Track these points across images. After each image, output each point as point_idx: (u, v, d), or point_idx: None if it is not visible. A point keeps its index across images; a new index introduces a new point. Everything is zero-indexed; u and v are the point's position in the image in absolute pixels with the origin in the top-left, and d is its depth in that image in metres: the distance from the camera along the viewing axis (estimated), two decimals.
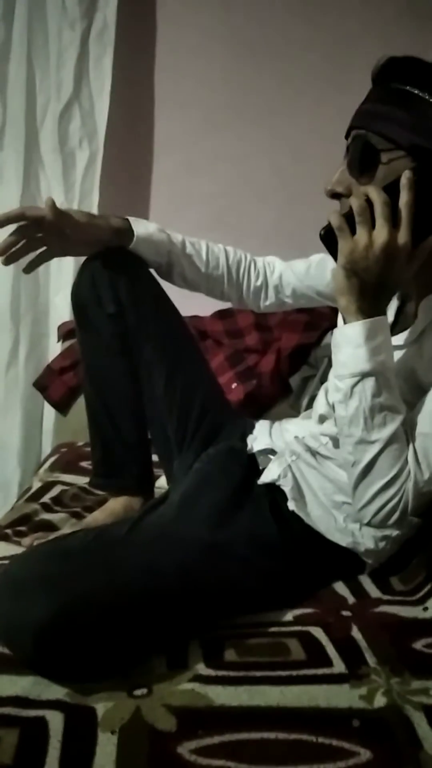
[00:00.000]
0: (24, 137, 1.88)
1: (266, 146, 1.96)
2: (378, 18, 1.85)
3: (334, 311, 1.67)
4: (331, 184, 0.91)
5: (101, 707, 0.70)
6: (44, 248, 1.09)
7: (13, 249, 1.05)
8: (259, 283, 1.23)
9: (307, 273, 1.22)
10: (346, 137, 0.92)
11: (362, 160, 0.88)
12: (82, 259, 1.14)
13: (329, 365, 1.60)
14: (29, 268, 1.11)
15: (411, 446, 0.89)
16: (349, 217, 0.83)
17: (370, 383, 0.86)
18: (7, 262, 1.05)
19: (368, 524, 0.92)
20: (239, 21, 1.90)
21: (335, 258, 0.86)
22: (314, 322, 1.76)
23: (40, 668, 0.74)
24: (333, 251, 0.86)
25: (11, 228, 1.04)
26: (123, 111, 1.93)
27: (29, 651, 0.72)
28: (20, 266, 1.11)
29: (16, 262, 1.08)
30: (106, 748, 0.65)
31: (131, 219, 1.11)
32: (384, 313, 0.87)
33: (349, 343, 0.87)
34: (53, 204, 1.03)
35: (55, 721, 0.68)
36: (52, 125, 1.88)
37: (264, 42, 1.91)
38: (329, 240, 0.86)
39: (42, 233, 1.06)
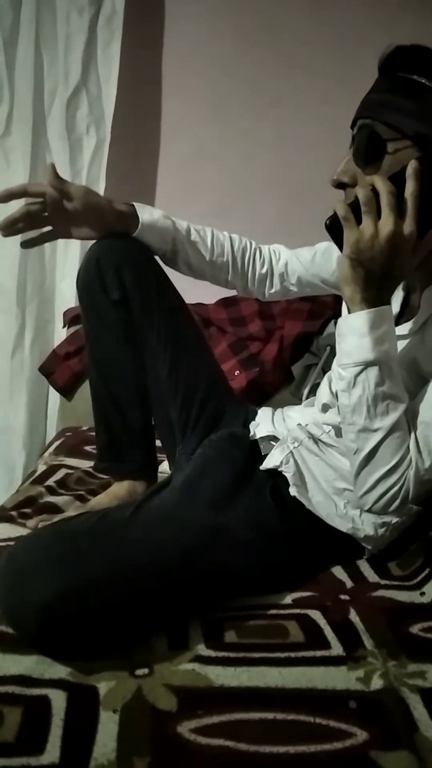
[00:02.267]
0: (31, 123, 1.87)
1: (271, 136, 1.95)
2: (383, 9, 1.83)
3: (337, 300, 1.68)
4: (337, 173, 0.91)
5: (103, 686, 0.71)
6: (48, 228, 1.09)
7: (17, 226, 1.06)
8: (264, 270, 1.23)
9: (313, 261, 1.22)
10: (352, 127, 0.92)
11: (368, 150, 0.88)
12: (88, 245, 1.14)
13: (332, 354, 1.62)
14: (28, 244, 1.12)
15: (413, 435, 0.89)
16: (354, 207, 0.83)
17: (373, 372, 0.87)
18: (5, 234, 1.06)
19: (369, 511, 0.93)
20: (245, 10, 1.89)
21: (341, 248, 0.86)
22: (317, 310, 1.77)
23: (44, 648, 0.76)
24: (338, 241, 0.86)
25: (15, 205, 1.05)
26: (130, 98, 1.92)
27: (33, 631, 0.74)
28: (26, 252, 1.12)
29: (20, 244, 1.08)
30: (107, 727, 0.66)
31: (137, 205, 1.11)
32: (388, 302, 0.88)
33: (353, 333, 0.87)
34: (54, 169, 1.04)
35: (58, 699, 0.69)
36: (60, 111, 1.87)
37: (269, 31, 1.89)
38: (335, 229, 0.86)
39: (46, 211, 1.07)
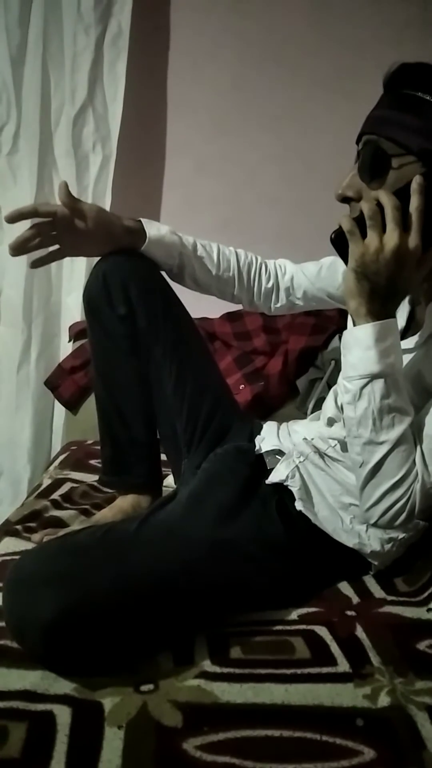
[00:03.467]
0: (38, 140, 1.89)
1: (275, 151, 1.97)
2: (388, 26, 1.85)
3: (342, 315, 1.69)
4: (342, 188, 0.91)
5: (108, 702, 0.71)
6: (56, 246, 1.10)
7: (27, 245, 1.06)
8: (270, 285, 1.24)
9: (318, 275, 1.23)
10: (357, 142, 0.93)
11: (373, 165, 0.88)
12: (95, 260, 1.15)
13: (336, 368, 1.62)
14: (37, 264, 1.12)
15: (418, 448, 0.89)
16: (359, 221, 0.84)
17: (379, 385, 0.87)
18: (15, 253, 1.06)
19: (375, 525, 0.93)
20: (250, 28, 1.91)
21: (346, 261, 0.87)
22: (322, 325, 1.77)
23: (49, 663, 0.75)
24: (344, 255, 0.87)
25: (25, 225, 1.05)
26: (136, 116, 1.95)
27: (38, 646, 0.73)
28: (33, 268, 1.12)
29: (27, 261, 1.08)
30: (112, 743, 0.65)
31: (144, 221, 1.12)
32: (393, 315, 0.88)
33: (359, 345, 0.87)
34: (67, 188, 1.04)
35: (63, 715, 0.69)
36: (66, 129, 1.90)
37: (274, 48, 1.92)
38: (340, 243, 0.87)
39: (55, 230, 1.07)
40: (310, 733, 0.67)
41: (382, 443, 0.88)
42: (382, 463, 0.88)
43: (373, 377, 0.87)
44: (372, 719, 0.70)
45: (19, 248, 1.06)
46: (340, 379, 0.94)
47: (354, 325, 0.89)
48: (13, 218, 1.03)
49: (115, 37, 1.86)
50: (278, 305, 1.26)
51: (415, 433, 0.89)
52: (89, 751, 0.64)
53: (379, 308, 0.86)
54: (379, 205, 0.83)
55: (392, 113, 0.87)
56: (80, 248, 1.12)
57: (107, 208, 1.93)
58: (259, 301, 1.25)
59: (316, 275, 1.23)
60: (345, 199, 0.92)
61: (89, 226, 1.07)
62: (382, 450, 0.88)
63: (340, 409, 1.03)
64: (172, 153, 2.01)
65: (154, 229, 1.12)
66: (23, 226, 1.06)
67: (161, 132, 2.00)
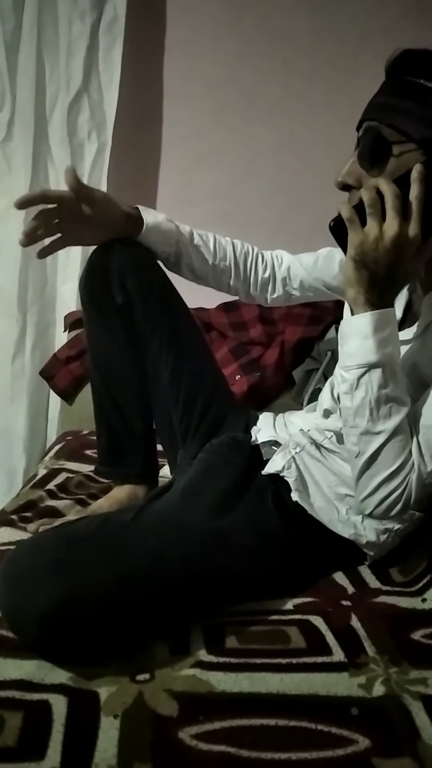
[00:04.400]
0: (33, 128, 1.88)
1: (272, 142, 1.96)
2: (383, 17, 1.84)
3: (338, 306, 1.69)
4: (341, 175, 0.91)
5: (104, 692, 0.71)
6: (58, 235, 1.09)
7: (38, 233, 1.05)
8: (266, 275, 1.23)
9: (315, 265, 1.22)
10: (358, 129, 0.92)
11: (373, 152, 0.88)
12: (90, 250, 1.14)
13: (332, 359, 1.62)
14: (43, 254, 1.11)
15: (415, 439, 0.89)
16: (358, 209, 0.84)
17: (376, 374, 0.87)
18: (27, 243, 1.04)
19: (370, 515, 0.93)
20: (247, 18, 1.90)
21: (344, 249, 0.86)
22: (318, 315, 1.77)
23: (45, 652, 0.75)
24: (342, 243, 0.86)
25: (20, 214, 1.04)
26: (131, 103, 1.93)
27: (34, 635, 0.73)
28: (28, 255, 1.11)
29: (22, 250, 1.07)
30: (108, 732, 0.65)
31: (141, 208, 1.11)
32: (392, 305, 0.88)
33: (357, 334, 0.87)
34: (74, 171, 1.02)
35: (59, 704, 0.69)
36: (61, 117, 1.88)
37: (271, 38, 1.91)
38: (339, 231, 0.86)
39: (59, 218, 1.06)
40: (305, 722, 0.68)
41: (378, 433, 0.88)
42: (378, 454, 0.88)
43: (371, 367, 0.86)
44: (367, 708, 0.70)
45: (30, 237, 1.03)
46: (337, 369, 0.94)
47: (352, 314, 0.88)
48: (23, 204, 1.02)
49: (111, 23, 1.84)
50: (275, 296, 1.26)
51: (411, 424, 0.89)
52: (85, 740, 0.64)
53: (378, 297, 0.85)
54: (379, 193, 0.83)
55: (394, 100, 0.86)
56: (81, 236, 1.11)
57: None
58: (255, 292, 1.25)
59: (312, 265, 1.23)
60: (345, 187, 0.92)
61: (93, 212, 1.05)
62: (378, 440, 0.88)
63: (337, 400, 1.03)
64: (168, 142, 2.00)
65: (151, 216, 1.11)
66: (19, 215, 1.05)
67: (157, 120, 1.99)
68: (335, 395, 1.06)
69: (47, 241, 1.09)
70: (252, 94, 1.94)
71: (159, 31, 1.94)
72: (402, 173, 0.84)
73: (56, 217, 1.06)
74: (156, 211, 1.13)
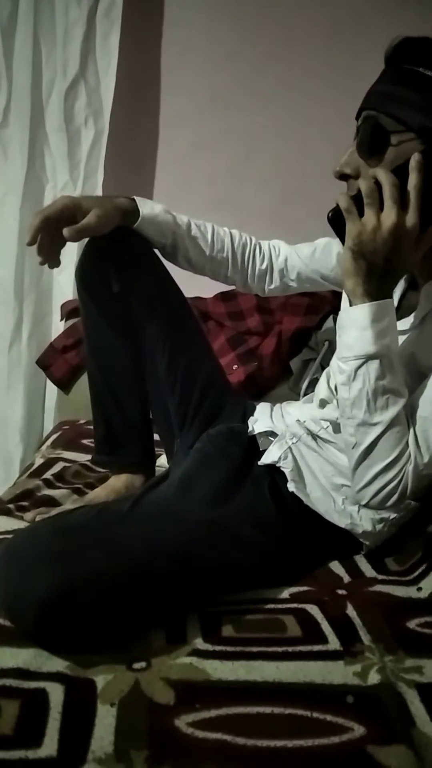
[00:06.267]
0: (29, 114, 1.86)
1: (271, 128, 1.94)
2: (384, 4, 1.82)
3: (336, 296, 1.68)
4: (340, 165, 0.90)
5: (101, 680, 0.71)
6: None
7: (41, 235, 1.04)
8: (264, 266, 1.23)
9: (313, 256, 1.22)
10: (357, 118, 0.91)
11: (372, 142, 0.87)
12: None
13: (330, 349, 1.62)
14: (56, 263, 1.10)
15: (411, 430, 0.89)
16: (357, 199, 0.83)
17: (374, 366, 0.86)
18: (32, 242, 1.04)
19: (366, 506, 0.93)
20: (245, 4, 1.88)
21: (343, 240, 0.86)
22: (315, 305, 1.76)
23: (42, 641, 0.75)
24: (340, 233, 0.86)
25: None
26: (129, 90, 1.91)
27: (31, 624, 0.73)
28: (23, 245, 1.11)
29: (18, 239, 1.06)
30: (105, 720, 0.66)
31: (137, 199, 1.10)
32: (390, 296, 0.87)
33: (355, 326, 0.87)
34: (71, 231, 1.01)
35: (56, 692, 0.69)
36: (58, 103, 1.86)
37: (270, 22, 1.89)
38: (337, 222, 0.86)
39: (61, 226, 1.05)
40: (301, 710, 0.68)
41: (375, 424, 0.88)
42: (375, 444, 0.88)
43: (369, 358, 0.86)
44: (362, 696, 0.71)
45: (35, 239, 1.03)
46: (334, 360, 0.94)
47: (350, 305, 0.88)
48: (34, 238, 1.02)
49: (108, 8, 1.82)
50: (272, 287, 1.25)
51: (408, 415, 0.90)
52: (82, 728, 0.65)
53: (376, 288, 0.85)
54: (377, 183, 0.82)
55: (393, 89, 0.86)
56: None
57: (99, 184, 1.90)
58: (252, 283, 1.24)
59: (310, 257, 1.22)
60: (343, 177, 0.91)
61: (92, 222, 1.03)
62: (375, 431, 0.88)
63: (333, 390, 1.03)
64: (166, 128, 1.99)
65: (147, 207, 1.10)
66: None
67: (155, 107, 1.97)
68: (332, 385, 1.06)
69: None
70: (250, 80, 1.93)
71: (156, 17, 1.92)
72: (400, 163, 0.83)
73: (59, 227, 1.03)
74: (153, 202, 1.12)
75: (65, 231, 1.00)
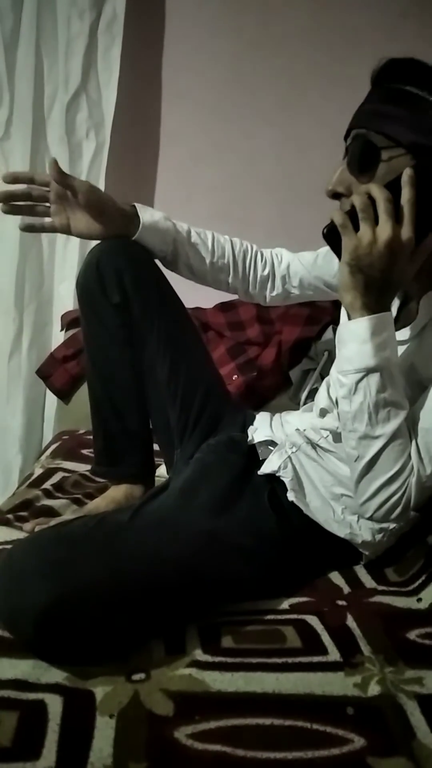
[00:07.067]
0: (31, 126, 1.87)
1: (271, 139, 1.96)
2: (385, 15, 1.84)
3: (336, 306, 1.69)
4: (332, 184, 0.91)
5: (100, 691, 0.71)
6: (49, 219, 1.11)
7: (17, 203, 1.09)
8: (265, 273, 1.23)
9: (315, 263, 1.23)
10: (345, 138, 0.92)
11: (362, 159, 0.88)
12: (88, 248, 1.14)
13: (329, 359, 1.62)
14: (28, 229, 1.14)
15: (413, 442, 0.89)
16: (351, 215, 0.84)
17: (374, 379, 0.87)
18: (6, 211, 1.09)
19: (370, 518, 0.93)
20: (246, 15, 1.89)
21: (339, 256, 0.87)
22: (315, 316, 1.77)
23: (41, 652, 0.75)
24: (337, 249, 0.87)
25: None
26: (130, 103, 1.93)
27: (30, 635, 0.73)
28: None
29: (19, 227, 1.12)
30: (104, 732, 0.65)
31: (138, 206, 1.11)
32: (389, 309, 0.88)
33: (354, 339, 0.87)
34: (56, 164, 1.05)
35: (54, 704, 0.69)
36: (60, 115, 1.88)
37: (270, 36, 1.90)
38: (332, 238, 0.87)
39: (50, 202, 1.09)
40: (301, 722, 0.68)
41: (377, 437, 0.88)
42: (377, 458, 0.88)
43: (369, 371, 0.87)
44: (362, 708, 0.71)
45: (4, 201, 1.07)
46: (334, 373, 0.94)
47: (349, 318, 0.88)
48: (8, 179, 1.06)
49: (110, 22, 1.83)
50: (274, 294, 1.26)
51: (409, 427, 0.90)
52: (81, 740, 0.65)
53: (374, 301, 0.86)
54: (371, 199, 0.83)
55: (381, 107, 0.87)
56: (71, 224, 1.11)
57: None
58: (254, 290, 1.25)
59: (312, 263, 1.23)
60: (335, 195, 0.92)
61: (81, 201, 1.07)
62: (377, 444, 0.88)
63: (335, 402, 1.03)
64: (166, 141, 2.00)
65: (147, 214, 1.11)
66: (13, 218, 1.07)
67: (155, 119, 1.99)
68: (332, 395, 1.06)
69: (37, 222, 1.12)
70: (251, 92, 1.94)
71: (157, 31, 1.93)
72: (392, 178, 0.84)
73: (46, 200, 1.09)
74: (153, 210, 1.13)
75: (54, 166, 1.04)
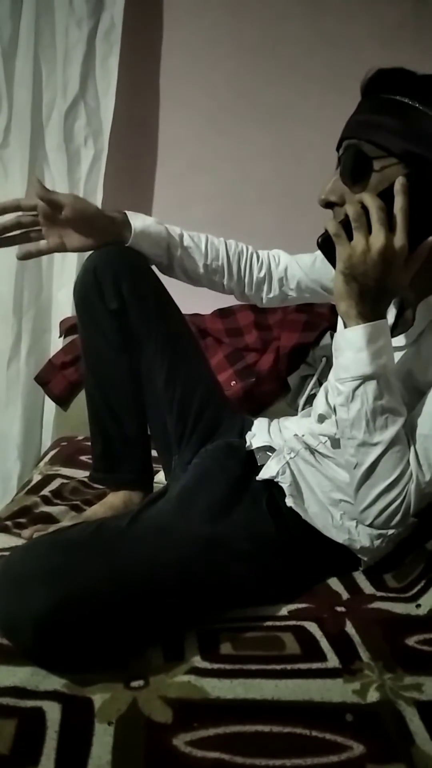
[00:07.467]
0: (29, 134, 1.88)
1: (269, 148, 1.97)
2: (381, 23, 1.85)
3: (333, 311, 1.69)
4: (325, 193, 0.92)
5: (98, 698, 0.71)
6: (44, 242, 1.10)
7: (10, 234, 1.09)
8: (261, 274, 1.23)
9: (313, 266, 1.23)
10: (337, 149, 0.93)
11: (355, 169, 0.89)
12: (85, 256, 1.14)
13: (327, 365, 1.62)
14: (24, 256, 1.13)
15: (412, 448, 0.89)
16: (345, 224, 0.84)
17: (371, 386, 0.87)
18: (1, 245, 1.09)
19: (371, 525, 0.93)
20: (244, 24, 1.91)
21: (334, 265, 0.87)
22: (313, 321, 1.77)
23: (39, 659, 0.75)
24: (331, 258, 0.87)
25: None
26: (128, 110, 1.94)
27: (28, 642, 0.73)
28: (23, 261, 1.13)
29: (16, 256, 1.11)
30: (102, 739, 0.65)
31: (128, 213, 1.11)
32: (384, 316, 0.88)
33: (350, 347, 0.87)
34: (38, 181, 1.06)
35: (53, 711, 0.69)
36: (58, 123, 1.88)
37: (267, 45, 1.91)
38: (327, 247, 0.87)
39: (40, 225, 1.08)
40: (300, 729, 0.68)
41: (376, 444, 0.88)
42: (376, 465, 0.89)
43: (366, 379, 0.87)
44: (361, 714, 0.70)
45: (7, 240, 1.07)
46: (331, 380, 0.95)
47: (345, 327, 0.89)
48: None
49: (108, 30, 1.84)
50: (270, 296, 1.26)
51: (408, 433, 0.90)
52: (79, 747, 0.64)
53: (370, 309, 0.86)
54: (364, 208, 0.84)
55: (372, 117, 0.88)
56: (65, 241, 1.11)
57: (99, 204, 1.91)
58: (250, 292, 1.25)
59: (310, 266, 1.23)
60: (328, 205, 0.92)
61: (68, 215, 1.07)
62: (376, 451, 0.88)
63: (333, 408, 1.03)
64: (164, 148, 2.01)
65: (138, 220, 1.11)
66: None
67: (154, 127, 2.00)
68: (330, 400, 1.06)
69: (32, 247, 1.12)
70: (248, 100, 1.95)
71: (155, 39, 1.94)
72: (384, 187, 0.85)
73: (36, 224, 1.09)
74: (144, 215, 1.13)
75: (37, 183, 1.05)
